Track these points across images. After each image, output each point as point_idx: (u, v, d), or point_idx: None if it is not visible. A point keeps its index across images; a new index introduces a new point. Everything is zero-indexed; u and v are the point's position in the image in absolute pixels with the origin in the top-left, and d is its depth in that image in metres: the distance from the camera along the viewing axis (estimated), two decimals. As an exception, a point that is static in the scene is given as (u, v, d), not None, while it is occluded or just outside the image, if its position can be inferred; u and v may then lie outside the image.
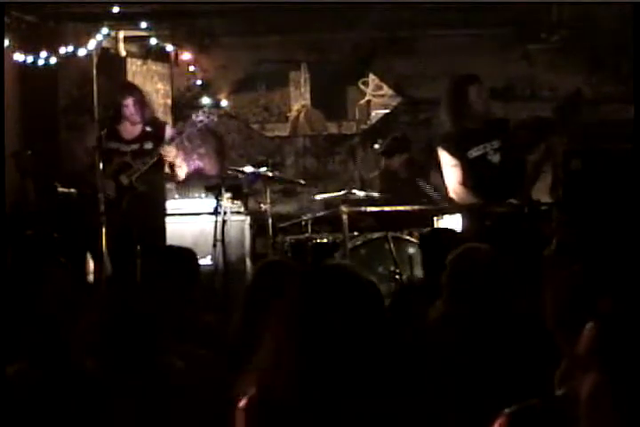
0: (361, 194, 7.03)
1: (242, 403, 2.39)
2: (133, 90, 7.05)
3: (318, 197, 7.48)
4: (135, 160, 6.83)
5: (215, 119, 7.24)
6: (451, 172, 6.25)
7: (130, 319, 2.97)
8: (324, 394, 2.26)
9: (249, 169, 7.16)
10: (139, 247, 6.42)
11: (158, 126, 7.02)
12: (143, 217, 6.69)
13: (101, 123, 6.89)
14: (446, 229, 5.61)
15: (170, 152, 6.79)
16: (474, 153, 6.21)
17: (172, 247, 5.06)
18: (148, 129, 6.92)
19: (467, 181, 6.19)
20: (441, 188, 7.26)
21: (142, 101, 6.97)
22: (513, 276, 3.61)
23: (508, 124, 6.47)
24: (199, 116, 7.01)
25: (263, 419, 2.34)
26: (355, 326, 2.30)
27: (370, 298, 2.40)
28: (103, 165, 6.69)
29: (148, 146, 6.87)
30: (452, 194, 6.32)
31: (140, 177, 6.79)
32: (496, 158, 6.23)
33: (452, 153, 6.21)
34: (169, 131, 7.02)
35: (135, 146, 6.88)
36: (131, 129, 6.94)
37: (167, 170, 6.93)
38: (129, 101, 6.84)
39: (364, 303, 2.36)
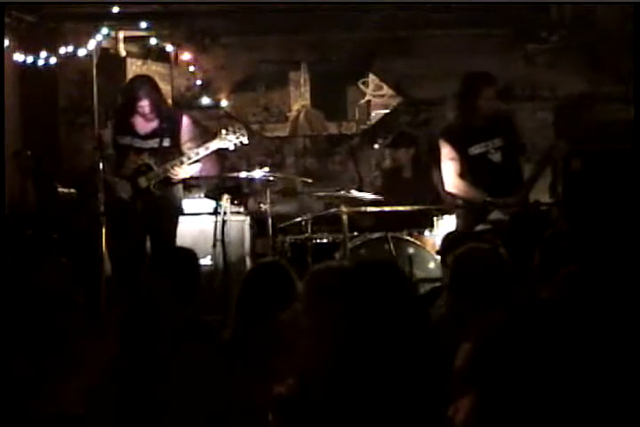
0: (361, 194, 7.01)
1: (279, 390, 2.42)
2: (150, 88, 6.57)
3: (319, 194, 7.47)
4: (155, 160, 6.50)
5: (245, 141, 6.66)
6: (449, 164, 6.26)
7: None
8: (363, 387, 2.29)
9: (251, 171, 7.11)
10: (147, 249, 6.39)
11: (173, 119, 6.62)
12: (158, 221, 6.53)
13: (111, 115, 6.64)
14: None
15: (185, 172, 6.52)
16: (475, 150, 6.21)
17: (173, 248, 5.06)
18: (163, 123, 6.55)
19: (465, 175, 6.20)
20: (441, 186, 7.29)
21: (159, 101, 6.60)
22: (515, 275, 3.61)
23: (512, 119, 6.46)
24: (228, 134, 6.58)
25: (300, 407, 2.37)
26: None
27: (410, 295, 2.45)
28: (117, 162, 6.48)
29: (167, 143, 6.53)
30: (449, 187, 6.33)
31: (159, 182, 6.51)
32: (497, 157, 6.24)
33: (454, 147, 6.22)
34: (186, 122, 6.64)
35: (154, 143, 6.53)
36: (145, 124, 6.57)
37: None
38: (145, 102, 6.46)
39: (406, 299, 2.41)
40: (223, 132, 6.63)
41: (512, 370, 1.72)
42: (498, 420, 1.71)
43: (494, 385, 1.73)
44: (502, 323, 1.81)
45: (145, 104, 6.48)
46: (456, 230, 6.13)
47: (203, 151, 6.56)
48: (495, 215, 6.14)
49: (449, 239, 5.02)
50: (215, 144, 6.59)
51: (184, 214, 6.93)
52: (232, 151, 7.02)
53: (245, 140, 6.67)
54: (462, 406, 1.78)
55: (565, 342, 1.74)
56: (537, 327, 1.76)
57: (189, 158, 6.48)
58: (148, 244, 6.55)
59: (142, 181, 6.49)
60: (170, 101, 8.76)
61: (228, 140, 6.59)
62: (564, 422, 1.73)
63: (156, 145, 6.54)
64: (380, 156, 8.12)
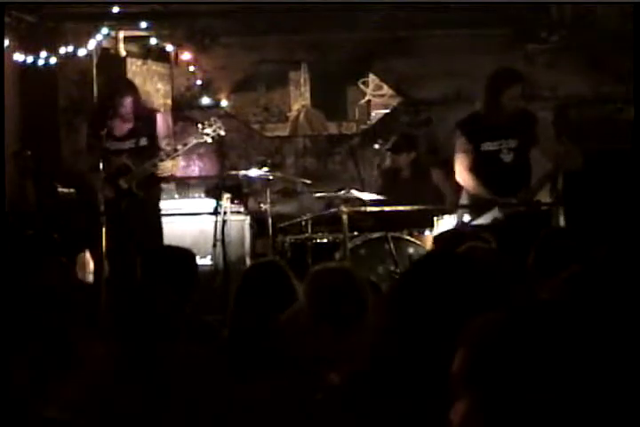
0: (361, 195, 7.02)
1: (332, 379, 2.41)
2: (132, 88, 6.77)
3: (318, 194, 7.48)
4: (134, 160, 6.58)
5: (222, 133, 6.72)
6: (461, 157, 6.26)
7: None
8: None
9: (251, 171, 7.13)
10: (137, 248, 6.40)
11: (149, 118, 6.73)
12: (141, 221, 6.58)
13: (99, 121, 6.74)
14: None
15: (168, 168, 6.60)
16: (487, 147, 6.21)
17: (170, 247, 5.06)
18: (140, 123, 6.65)
19: (474, 170, 6.20)
20: (443, 185, 7.30)
21: (138, 99, 6.73)
22: (515, 275, 3.61)
23: (535, 120, 6.41)
24: (205, 128, 6.63)
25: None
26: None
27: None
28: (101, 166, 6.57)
29: (144, 142, 6.62)
30: (458, 178, 6.34)
31: (139, 182, 6.58)
32: (508, 158, 6.23)
33: (468, 139, 6.21)
34: (160, 120, 6.78)
35: (130, 143, 6.62)
36: (122, 125, 6.65)
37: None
38: (127, 100, 6.57)
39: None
40: (199, 126, 6.70)
41: (508, 373, 1.71)
42: (494, 423, 1.70)
43: (490, 388, 1.72)
44: (498, 324, 1.80)
45: (127, 102, 6.56)
46: (449, 230, 6.13)
47: (181, 147, 6.63)
48: (486, 218, 6.14)
49: (442, 238, 5.00)
50: (193, 139, 6.67)
51: (170, 215, 7.02)
52: (232, 150, 7.07)
53: (222, 132, 6.71)
54: (458, 410, 1.76)
55: (561, 345, 1.73)
56: (532, 329, 1.75)
57: (168, 155, 6.54)
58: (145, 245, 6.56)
59: (122, 183, 6.55)
60: (170, 101, 8.79)
61: (206, 134, 6.64)
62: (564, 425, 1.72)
63: (132, 145, 6.63)
64: (380, 157, 8.11)
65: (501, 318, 1.78)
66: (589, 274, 2.81)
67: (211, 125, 6.65)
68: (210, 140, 6.72)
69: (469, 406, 1.71)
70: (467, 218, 6.29)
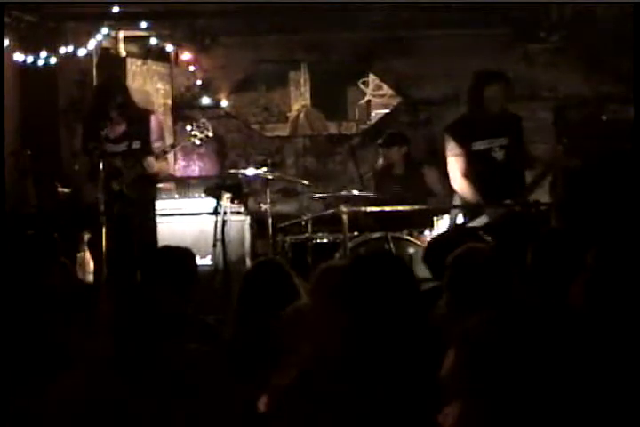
0: (362, 194, 7.04)
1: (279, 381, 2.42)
2: (124, 91, 6.72)
3: (317, 195, 7.51)
4: (126, 163, 6.52)
5: (210, 134, 6.69)
6: (453, 161, 6.25)
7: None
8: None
9: (251, 171, 7.13)
10: (133, 249, 6.39)
11: (142, 121, 6.65)
12: (136, 222, 6.56)
13: (96, 122, 6.73)
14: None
15: (157, 168, 6.56)
16: (478, 146, 6.20)
17: (170, 247, 5.06)
18: (132, 126, 6.58)
19: (469, 174, 6.20)
20: (435, 186, 7.32)
21: (131, 101, 6.68)
22: (514, 276, 3.60)
23: (520, 121, 6.44)
24: (193, 130, 6.63)
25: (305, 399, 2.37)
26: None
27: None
28: (94, 168, 6.45)
29: (136, 145, 6.56)
30: (453, 184, 6.34)
31: (131, 184, 6.52)
32: (500, 156, 6.22)
33: (458, 141, 6.21)
34: (154, 122, 6.68)
35: (123, 146, 6.57)
36: (115, 128, 6.57)
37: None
38: (119, 103, 6.50)
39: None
40: (188, 128, 6.71)
41: (507, 373, 1.70)
42: (492, 423, 1.69)
43: (482, 391, 1.70)
44: (490, 326, 1.78)
45: (118, 106, 6.50)
46: (443, 233, 6.13)
47: (169, 149, 6.69)
48: (481, 220, 6.14)
49: (435, 244, 4.97)
50: (181, 141, 6.73)
51: (170, 214, 7.00)
52: (232, 150, 7.07)
53: (210, 134, 6.71)
54: (451, 413, 1.75)
55: (558, 344, 1.72)
56: (528, 329, 1.74)
57: (157, 157, 6.53)
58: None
59: (114, 185, 6.52)
60: (170, 101, 8.79)
61: (193, 136, 6.64)
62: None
63: (125, 148, 6.58)
64: (375, 155, 8.13)
65: (496, 318, 1.78)
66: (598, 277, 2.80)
67: (199, 127, 6.65)
68: (198, 142, 6.73)
69: (466, 407, 1.71)
70: (460, 219, 6.30)
